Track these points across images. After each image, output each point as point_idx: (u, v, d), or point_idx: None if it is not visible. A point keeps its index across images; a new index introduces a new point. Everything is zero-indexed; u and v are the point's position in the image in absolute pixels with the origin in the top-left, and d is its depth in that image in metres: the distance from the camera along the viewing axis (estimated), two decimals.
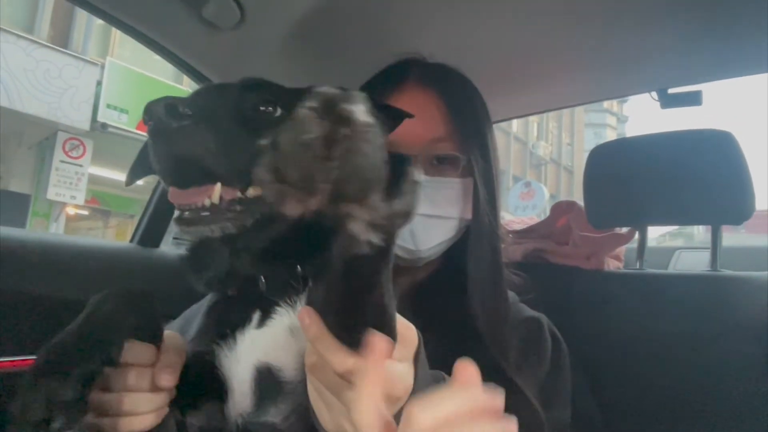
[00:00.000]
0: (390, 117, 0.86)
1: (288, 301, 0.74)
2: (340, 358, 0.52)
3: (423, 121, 0.99)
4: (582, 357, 1.15)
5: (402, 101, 1.03)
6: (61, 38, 9.27)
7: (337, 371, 0.52)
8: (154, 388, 0.68)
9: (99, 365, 0.61)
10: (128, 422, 0.66)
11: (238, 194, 0.65)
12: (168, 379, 0.68)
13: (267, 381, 0.71)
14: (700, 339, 1.18)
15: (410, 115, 0.85)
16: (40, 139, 9.56)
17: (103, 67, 9.29)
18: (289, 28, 1.28)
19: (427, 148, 1.02)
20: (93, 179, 9.98)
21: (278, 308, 0.74)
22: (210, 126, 0.64)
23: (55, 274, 1.37)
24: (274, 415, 0.71)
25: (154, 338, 0.70)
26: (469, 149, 1.03)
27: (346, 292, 0.52)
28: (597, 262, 1.45)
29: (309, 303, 0.61)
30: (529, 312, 1.07)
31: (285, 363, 0.72)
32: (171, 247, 1.83)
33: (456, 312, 0.98)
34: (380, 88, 1.07)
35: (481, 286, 0.98)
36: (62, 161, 9.27)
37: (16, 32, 8.44)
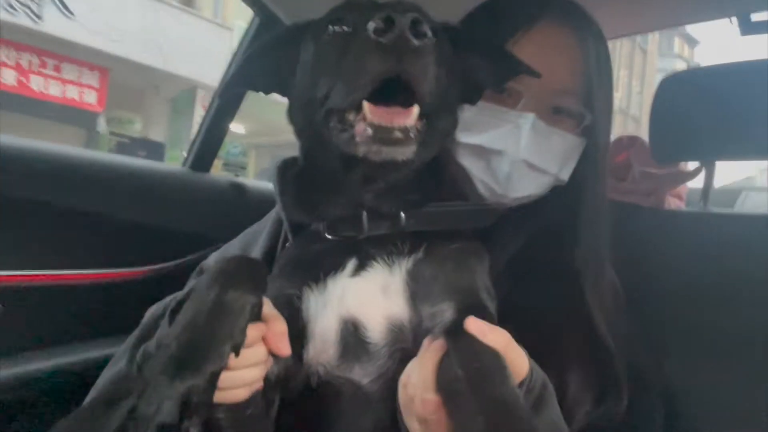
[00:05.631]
0: (510, 66, 0.81)
1: (386, 258, 0.72)
2: None
3: (553, 66, 0.89)
4: (637, 296, 1.11)
5: (535, 40, 0.91)
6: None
7: None
8: (263, 361, 0.66)
9: (227, 358, 0.59)
10: (230, 395, 0.63)
11: (419, 122, 0.65)
12: (286, 347, 0.66)
13: (353, 336, 0.69)
14: (762, 281, 1.10)
15: (536, 74, 0.80)
16: (176, 93, 11.34)
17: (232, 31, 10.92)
18: None
19: (551, 96, 0.91)
20: None
21: (375, 262, 0.72)
22: (439, 52, 0.65)
23: (107, 192, 1.41)
24: (360, 375, 0.69)
25: (260, 313, 0.66)
26: (595, 109, 0.92)
27: None
28: (657, 200, 1.39)
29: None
30: None
31: (372, 322, 0.69)
32: (221, 172, 1.86)
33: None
34: (509, 20, 0.93)
35: (591, 255, 0.94)
36: (201, 116, 10.33)
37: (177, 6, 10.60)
